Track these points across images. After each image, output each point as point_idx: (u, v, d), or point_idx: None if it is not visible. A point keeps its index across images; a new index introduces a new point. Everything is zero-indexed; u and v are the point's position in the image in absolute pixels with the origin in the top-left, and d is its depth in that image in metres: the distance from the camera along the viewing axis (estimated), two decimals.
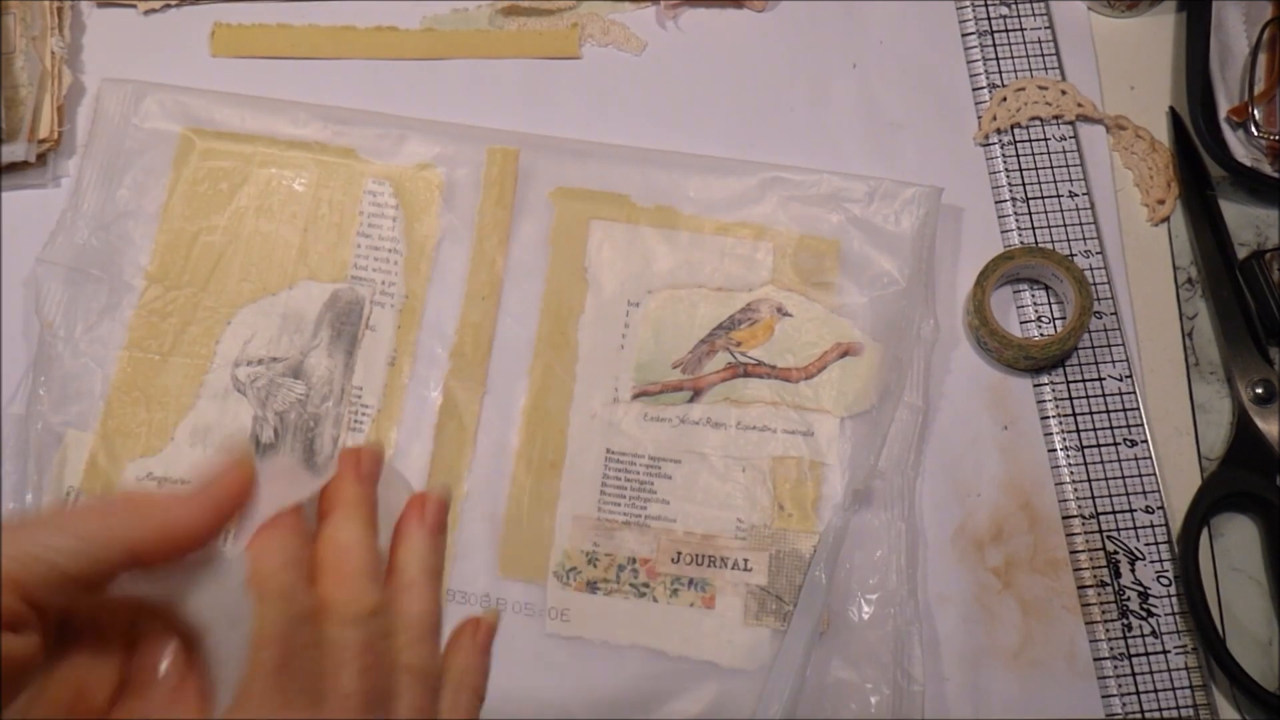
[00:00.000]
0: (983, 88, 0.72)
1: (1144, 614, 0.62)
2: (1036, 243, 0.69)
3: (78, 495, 0.60)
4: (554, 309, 0.65)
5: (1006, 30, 0.73)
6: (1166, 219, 0.70)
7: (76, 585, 0.35)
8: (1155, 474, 0.65)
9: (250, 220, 0.66)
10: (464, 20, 0.72)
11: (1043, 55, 0.73)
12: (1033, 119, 0.71)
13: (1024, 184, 0.70)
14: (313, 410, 0.63)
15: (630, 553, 0.61)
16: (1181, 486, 0.65)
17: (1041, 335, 0.67)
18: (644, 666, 0.59)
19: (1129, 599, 0.62)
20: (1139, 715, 0.61)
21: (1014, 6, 0.74)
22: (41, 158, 0.67)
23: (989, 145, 0.71)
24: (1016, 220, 0.69)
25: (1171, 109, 0.72)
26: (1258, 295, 0.66)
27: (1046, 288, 0.68)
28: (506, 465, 0.63)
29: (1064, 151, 0.71)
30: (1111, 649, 0.62)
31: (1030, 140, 0.71)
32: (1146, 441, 0.65)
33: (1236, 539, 0.64)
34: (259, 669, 0.36)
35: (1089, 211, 0.69)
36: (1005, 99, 0.71)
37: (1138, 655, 0.62)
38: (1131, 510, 0.64)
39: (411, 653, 0.40)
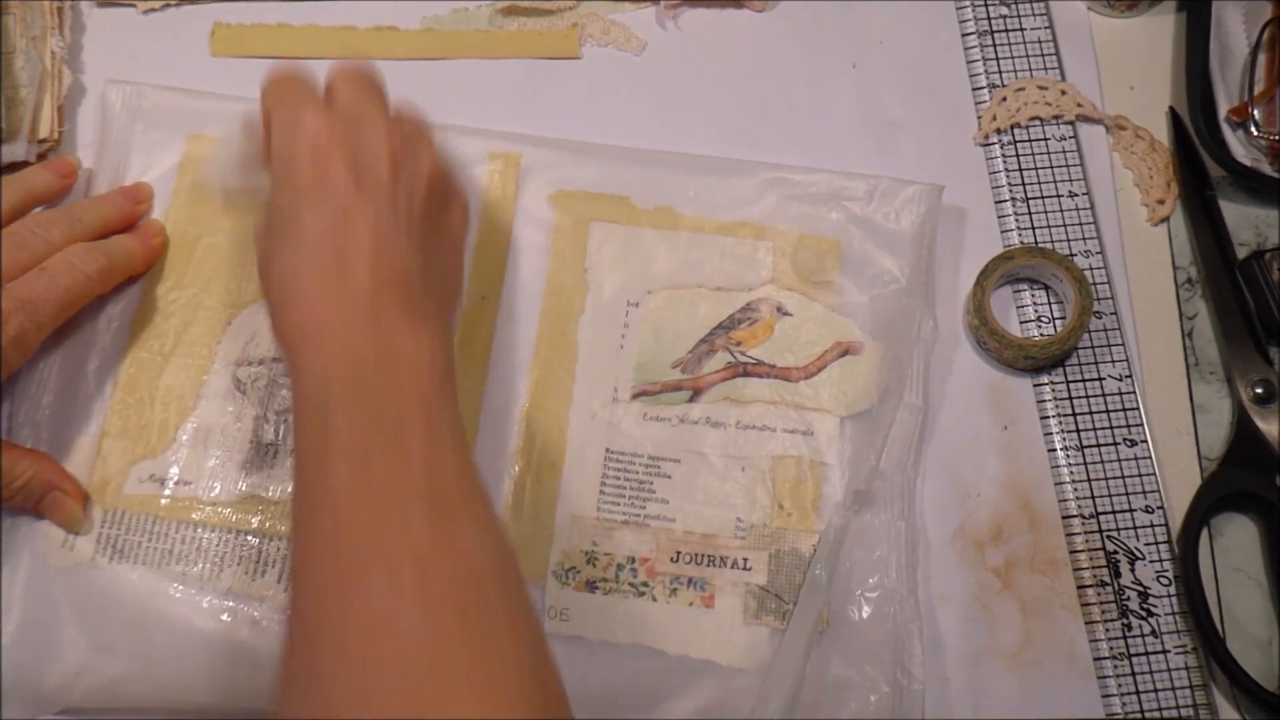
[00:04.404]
0: (983, 88, 0.72)
1: (1144, 614, 0.62)
2: (1036, 243, 0.69)
3: (85, 500, 0.61)
4: (554, 309, 0.65)
5: (1006, 30, 0.73)
6: (1166, 219, 0.70)
7: None
8: (1155, 474, 0.65)
9: (252, 221, 0.66)
10: (464, 20, 0.72)
11: (1043, 55, 0.73)
12: (1033, 119, 0.71)
13: (1024, 184, 0.70)
14: None
15: (629, 552, 0.61)
16: (1181, 486, 0.65)
17: (1041, 335, 0.67)
18: (643, 665, 0.59)
19: (1129, 599, 0.62)
20: (1139, 715, 0.61)
21: (1014, 6, 0.74)
22: (41, 158, 0.67)
23: (989, 145, 0.71)
24: (1016, 220, 0.69)
25: (1171, 109, 0.72)
26: (1257, 295, 0.67)
27: (1046, 288, 0.68)
28: (506, 465, 0.63)
29: (1064, 151, 0.71)
30: (1111, 649, 0.62)
31: (1030, 140, 0.71)
32: (1146, 441, 0.65)
33: (1236, 539, 0.64)
34: None
35: (1089, 211, 0.69)
36: (1005, 99, 0.71)
37: (1138, 655, 0.62)
38: (1131, 510, 0.64)
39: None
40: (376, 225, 0.52)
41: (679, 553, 0.61)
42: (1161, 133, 0.72)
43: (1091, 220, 0.69)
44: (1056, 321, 0.67)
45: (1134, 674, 0.61)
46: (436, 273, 0.55)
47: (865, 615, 0.61)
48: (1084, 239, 0.69)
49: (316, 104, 0.55)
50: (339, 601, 0.44)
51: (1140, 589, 0.63)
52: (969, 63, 0.73)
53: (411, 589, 0.43)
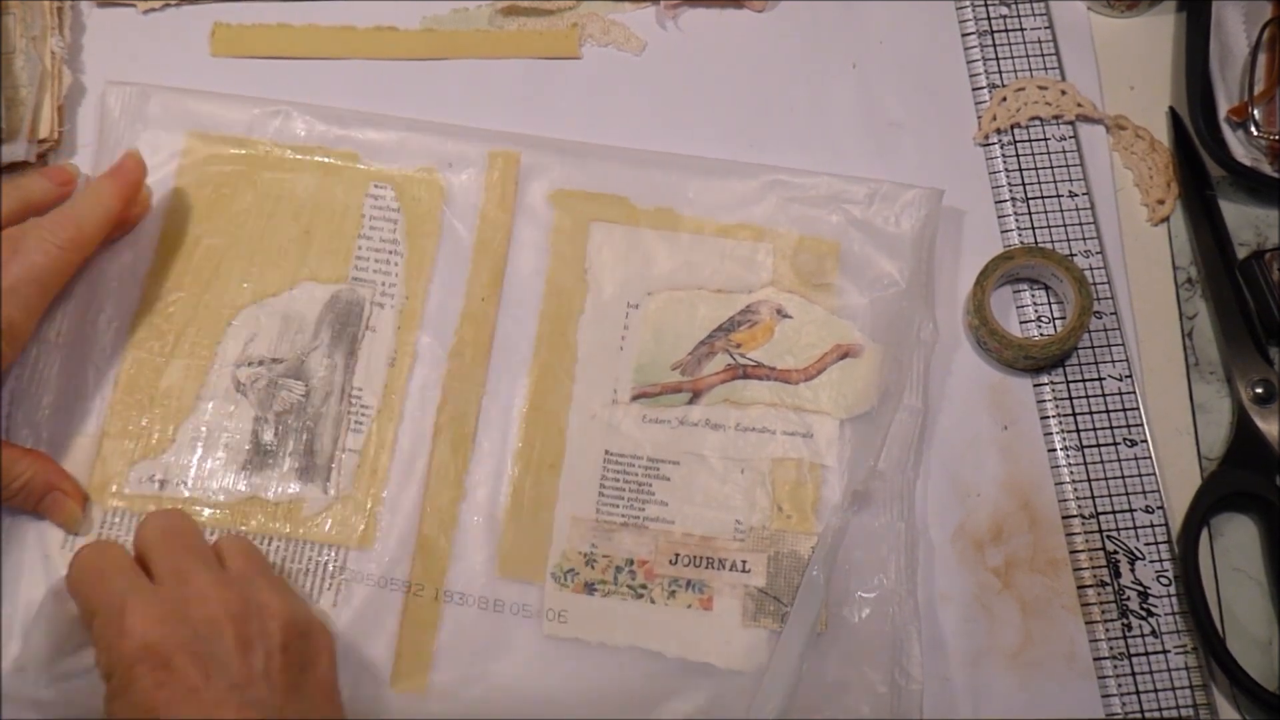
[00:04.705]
0: (983, 88, 0.72)
1: (1144, 614, 0.62)
2: (1036, 243, 0.69)
3: (85, 500, 0.61)
4: (554, 310, 0.65)
5: (1006, 30, 0.73)
6: (1166, 219, 0.70)
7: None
8: (1155, 474, 0.65)
9: (252, 222, 0.66)
10: (464, 20, 0.72)
11: (1043, 55, 0.73)
12: (1033, 119, 0.71)
13: (1024, 184, 0.70)
14: (313, 411, 0.63)
15: (628, 554, 0.61)
16: (1181, 486, 0.65)
17: (1041, 335, 0.67)
18: (641, 667, 0.59)
19: (1129, 599, 0.62)
20: (1139, 715, 0.61)
21: (1014, 6, 0.74)
22: (42, 158, 0.67)
23: (989, 145, 0.71)
24: (1016, 220, 0.69)
25: (1171, 109, 0.72)
26: (1257, 295, 0.66)
27: (1046, 288, 0.68)
28: (505, 466, 0.63)
29: (1064, 151, 0.71)
30: (1111, 649, 0.62)
31: (1030, 140, 0.71)
32: (1146, 441, 0.65)
33: (1236, 539, 0.64)
34: None
35: (1089, 211, 0.69)
36: (1005, 99, 0.71)
37: (1138, 655, 0.62)
38: (1131, 510, 0.64)
39: None
40: (241, 715, 0.47)
41: (678, 555, 0.61)
42: (1161, 133, 0.72)
43: (1091, 220, 0.69)
44: (1056, 321, 0.67)
45: (1134, 674, 0.61)
46: None
47: (864, 616, 0.61)
48: (1084, 239, 0.69)
49: (136, 591, 0.50)
50: None
51: (1140, 589, 0.63)
52: (969, 63, 0.73)
53: None
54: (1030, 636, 0.62)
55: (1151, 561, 0.63)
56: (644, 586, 0.61)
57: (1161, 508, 0.64)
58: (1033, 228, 0.69)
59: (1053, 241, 0.69)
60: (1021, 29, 0.73)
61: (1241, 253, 0.69)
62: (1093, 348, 0.67)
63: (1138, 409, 0.66)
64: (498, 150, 0.68)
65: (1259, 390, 0.65)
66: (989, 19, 0.73)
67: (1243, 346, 0.66)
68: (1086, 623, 0.62)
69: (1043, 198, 0.70)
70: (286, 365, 0.64)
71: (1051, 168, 0.70)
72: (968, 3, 0.74)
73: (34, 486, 0.59)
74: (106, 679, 0.49)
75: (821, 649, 0.60)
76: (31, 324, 0.59)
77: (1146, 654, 0.62)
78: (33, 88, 0.67)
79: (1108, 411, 0.66)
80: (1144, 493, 0.64)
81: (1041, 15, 0.73)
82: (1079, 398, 0.66)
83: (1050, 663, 0.62)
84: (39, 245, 0.58)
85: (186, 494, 0.61)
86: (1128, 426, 0.66)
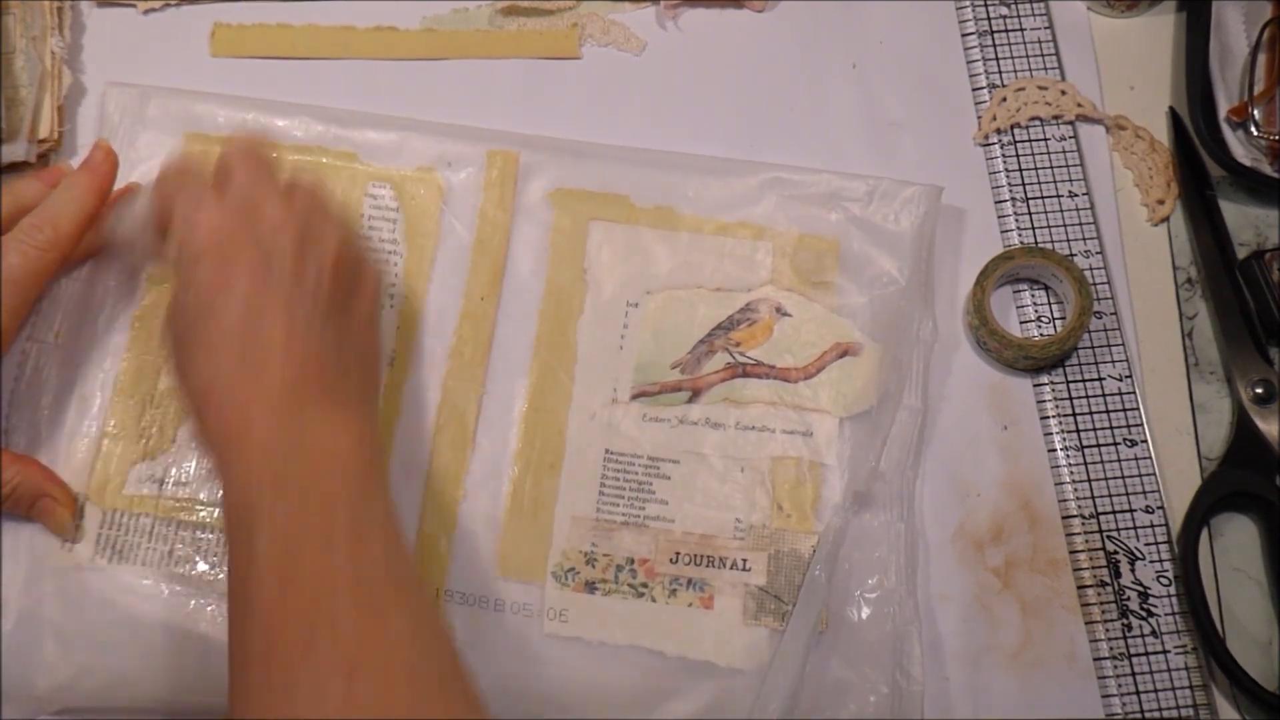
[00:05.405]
0: (983, 88, 0.72)
1: (1144, 614, 0.62)
2: (1036, 243, 0.69)
3: (84, 500, 0.61)
4: (553, 310, 0.65)
5: (1006, 30, 0.73)
6: (1166, 219, 0.70)
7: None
8: (1155, 474, 0.65)
9: None
10: (464, 20, 0.72)
11: (1043, 55, 0.73)
12: (1033, 119, 0.71)
13: (1024, 184, 0.70)
14: None
15: (629, 553, 0.61)
16: (1181, 486, 0.65)
17: (1041, 335, 0.67)
18: (642, 666, 0.59)
19: (1129, 599, 0.62)
20: (1139, 715, 0.61)
21: (1014, 6, 0.74)
22: (42, 158, 0.67)
23: (989, 145, 0.71)
24: (1016, 220, 0.69)
25: (1171, 109, 0.72)
26: (1257, 295, 0.66)
27: (1046, 288, 0.68)
28: (505, 465, 0.63)
29: (1064, 151, 0.71)
30: (1111, 649, 0.62)
31: (1030, 140, 0.71)
32: (1146, 441, 0.65)
33: (1236, 539, 0.64)
34: None
35: (1089, 211, 0.69)
36: (1005, 99, 0.71)
37: (1138, 655, 0.62)
38: (1131, 510, 0.64)
39: None
40: (287, 317, 0.51)
41: (678, 554, 0.61)
42: (1161, 133, 0.72)
43: (1091, 220, 0.69)
44: (1056, 321, 0.67)
45: (1134, 674, 0.61)
46: (353, 353, 0.54)
47: (864, 616, 0.61)
48: (1084, 239, 0.69)
49: (213, 197, 0.54)
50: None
51: (1140, 589, 0.63)
52: (969, 63, 0.73)
53: (340, 701, 0.43)
54: (1030, 636, 0.62)
55: (1151, 561, 0.63)
56: (644, 585, 0.61)
57: (1161, 508, 0.64)
58: (1033, 228, 0.69)
59: (1053, 241, 0.69)
60: (1021, 29, 0.73)
61: (1241, 253, 0.69)
62: (1093, 348, 0.67)
63: (1138, 409, 0.66)
64: (496, 149, 0.68)
65: (1259, 390, 0.65)
66: (989, 19, 0.73)
67: (1243, 346, 0.66)
68: (1086, 623, 0.62)
69: (1043, 198, 0.70)
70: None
71: (1051, 168, 0.70)
72: (968, 3, 0.74)
73: (22, 493, 0.58)
74: (176, 273, 0.54)
75: (823, 649, 0.60)
76: (14, 326, 0.59)
77: (1146, 654, 0.62)
78: (33, 88, 0.67)
79: (1108, 411, 0.66)
80: (1144, 493, 0.64)
81: (1041, 15, 0.73)
82: (1079, 398, 0.66)
83: (1050, 663, 0.61)
84: (16, 248, 0.58)
85: (186, 494, 0.61)
86: (1128, 426, 0.66)
